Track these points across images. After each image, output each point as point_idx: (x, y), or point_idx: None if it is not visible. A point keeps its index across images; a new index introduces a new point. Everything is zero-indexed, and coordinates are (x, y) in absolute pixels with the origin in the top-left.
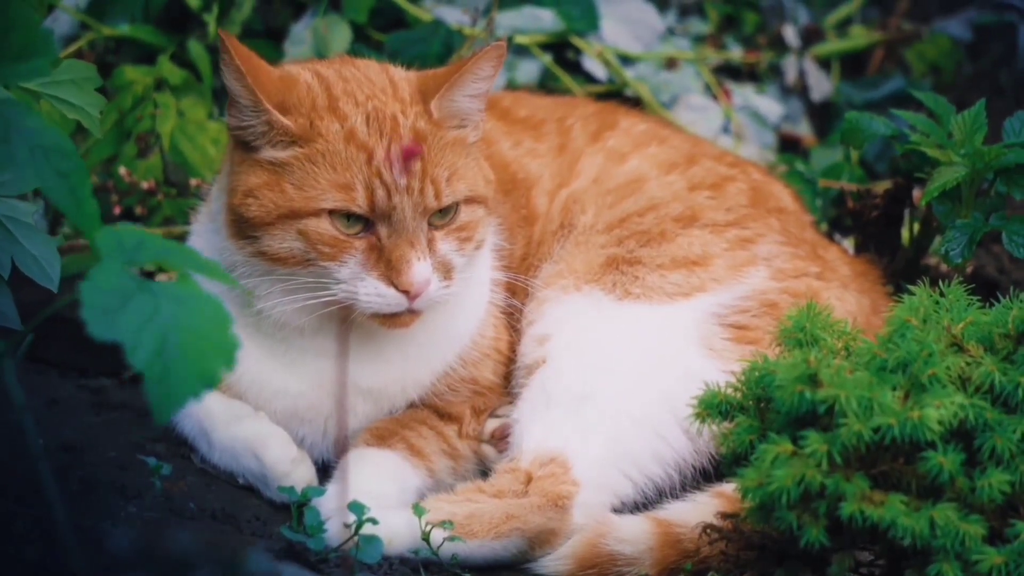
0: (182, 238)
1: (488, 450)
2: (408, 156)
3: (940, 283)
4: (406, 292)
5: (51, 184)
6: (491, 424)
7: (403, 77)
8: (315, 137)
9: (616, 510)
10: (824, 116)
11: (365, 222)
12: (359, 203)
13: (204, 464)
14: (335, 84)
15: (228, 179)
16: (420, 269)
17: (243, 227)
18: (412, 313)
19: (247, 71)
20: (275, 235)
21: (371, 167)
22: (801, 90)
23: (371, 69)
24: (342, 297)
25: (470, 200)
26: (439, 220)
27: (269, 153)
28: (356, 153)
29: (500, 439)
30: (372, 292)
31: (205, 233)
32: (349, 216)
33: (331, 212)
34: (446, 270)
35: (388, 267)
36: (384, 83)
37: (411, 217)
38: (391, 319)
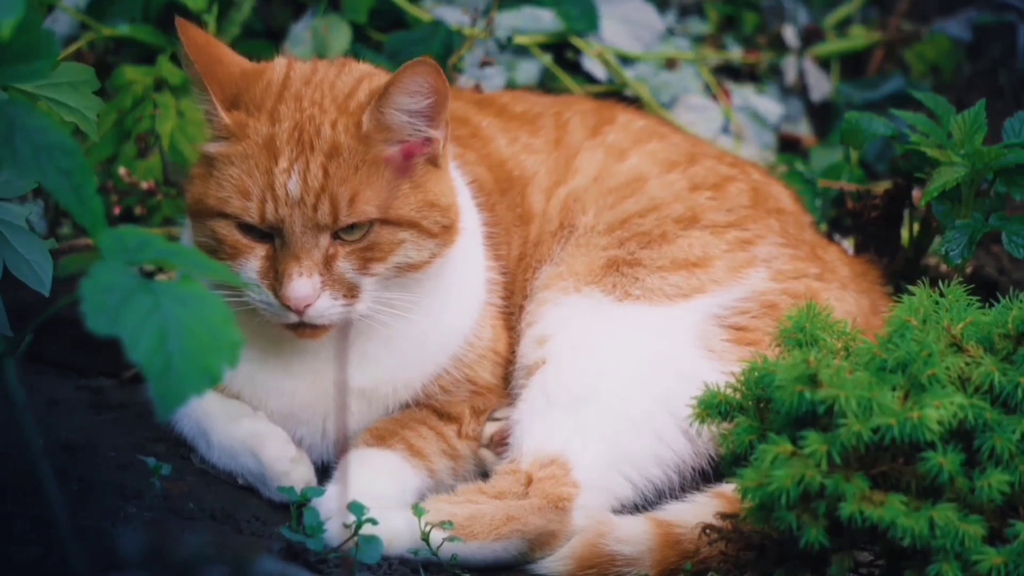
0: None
1: (487, 454)
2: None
3: (940, 283)
4: (287, 306)
5: (55, 183)
6: (489, 428)
7: (371, 87)
8: (243, 137)
9: (616, 511)
10: (824, 116)
11: (263, 230)
12: (251, 214)
13: (203, 464)
14: (294, 85)
15: None
16: (299, 284)
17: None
18: (313, 327)
19: (197, 61)
20: (196, 226)
21: (268, 177)
22: (801, 90)
23: (348, 74)
24: (247, 299)
25: (387, 222)
26: (347, 236)
27: (208, 145)
28: (263, 161)
29: (499, 444)
30: (263, 300)
31: None
32: (246, 224)
33: (234, 216)
34: (347, 288)
35: (275, 278)
36: (345, 90)
37: (300, 232)
38: (296, 329)
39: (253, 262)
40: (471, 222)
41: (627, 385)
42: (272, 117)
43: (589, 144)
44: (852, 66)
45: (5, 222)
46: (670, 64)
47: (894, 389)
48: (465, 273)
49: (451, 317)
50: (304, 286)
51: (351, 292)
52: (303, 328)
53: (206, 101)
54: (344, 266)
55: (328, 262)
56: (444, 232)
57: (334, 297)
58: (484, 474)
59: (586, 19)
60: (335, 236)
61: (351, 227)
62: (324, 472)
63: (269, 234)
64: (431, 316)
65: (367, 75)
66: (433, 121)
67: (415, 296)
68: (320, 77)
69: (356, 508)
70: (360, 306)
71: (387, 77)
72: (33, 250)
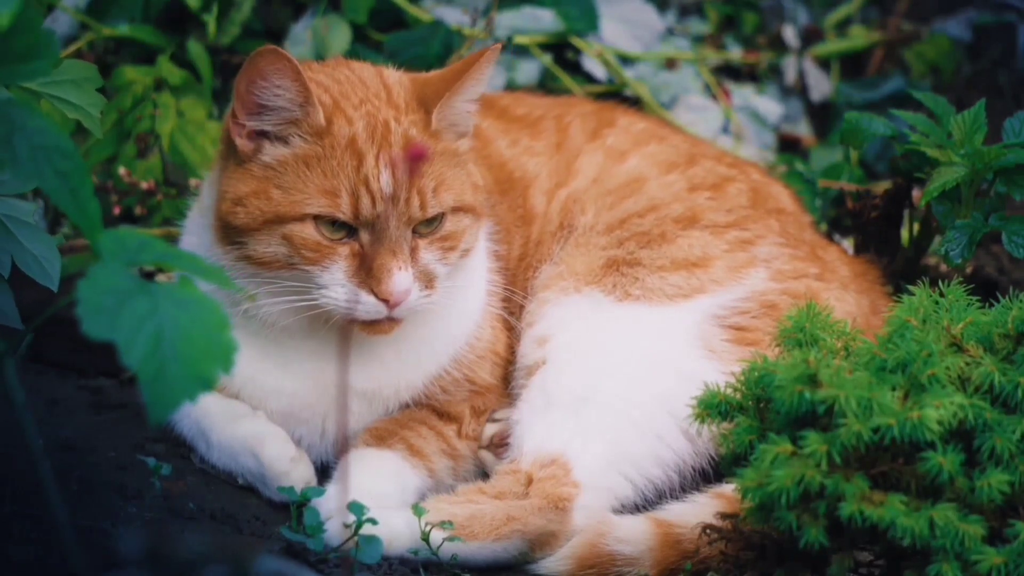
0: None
1: (486, 456)
2: (414, 159)
3: (940, 283)
4: (385, 301)
5: (52, 184)
6: (489, 429)
7: (397, 81)
8: (326, 135)
9: (616, 511)
10: (824, 116)
11: (349, 229)
12: (343, 210)
13: (203, 464)
14: (331, 87)
15: (217, 187)
16: (400, 279)
17: (230, 233)
18: (392, 321)
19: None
20: (260, 240)
21: (359, 174)
22: (801, 90)
23: (364, 72)
24: (323, 302)
25: (456, 210)
26: (424, 229)
27: (268, 154)
28: (348, 159)
29: (499, 445)
30: (352, 299)
31: (197, 230)
32: (334, 222)
33: (316, 217)
34: (428, 279)
35: (369, 275)
36: (378, 87)
37: (394, 226)
38: (371, 325)
39: (339, 263)
40: None
41: (627, 385)
42: (346, 117)
43: (590, 147)
44: (852, 66)
45: (13, 218)
46: (670, 64)
47: (894, 389)
48: (472, 269)
49: (456, 315)
50: (405, 280)
51: (431, 283)
52: (381, 323)
53: (299, 107)
54: (428, 256)
55: (413, 255)
56: (483, 213)
57: (420, 289)
58: (484, 474)
59: (586, 19)
60: (413, 229)
61: (428, 220)
62: (324, 472)
63: (352, 233)
64: (440, 313)
65: (378, 69)
66: (478, 103)
67: (458, 283)
68: (343, 77)
69: (356, 508)
70: (435, 296)
71: (389, 71)
72: (41, 246)
